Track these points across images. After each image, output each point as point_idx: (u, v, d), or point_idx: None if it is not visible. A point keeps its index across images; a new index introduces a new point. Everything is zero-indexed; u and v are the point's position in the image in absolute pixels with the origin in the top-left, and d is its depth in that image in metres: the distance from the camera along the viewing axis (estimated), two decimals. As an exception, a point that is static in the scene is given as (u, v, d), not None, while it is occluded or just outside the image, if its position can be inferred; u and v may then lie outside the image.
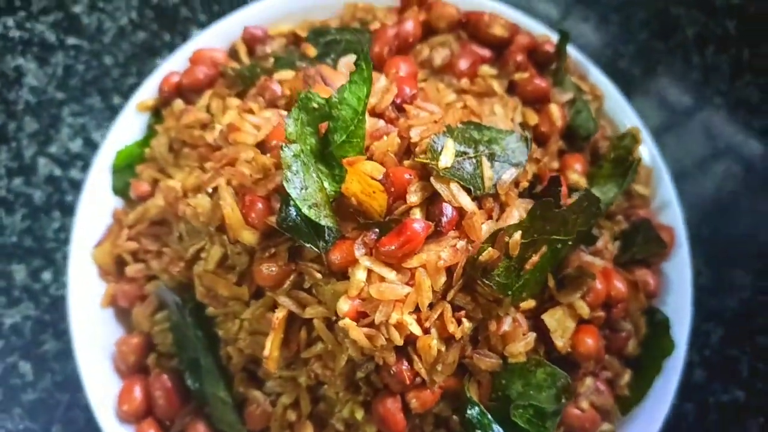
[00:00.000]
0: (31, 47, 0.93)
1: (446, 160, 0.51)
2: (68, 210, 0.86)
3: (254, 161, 0.54)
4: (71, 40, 0.93)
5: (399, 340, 0.48)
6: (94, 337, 0.64)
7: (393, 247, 0.48)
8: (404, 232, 0.48)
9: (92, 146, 0.89)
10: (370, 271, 0.49)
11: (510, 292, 0.52)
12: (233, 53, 0.72)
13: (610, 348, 0.65)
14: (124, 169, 0.68)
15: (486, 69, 0.68)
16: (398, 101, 0.56)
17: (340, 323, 0.49)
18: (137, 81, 0.92)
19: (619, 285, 0.62)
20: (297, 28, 0.73)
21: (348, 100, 0.50)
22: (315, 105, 0.50)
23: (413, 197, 0.50)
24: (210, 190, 0.56)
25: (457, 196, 0.51)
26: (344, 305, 0.49)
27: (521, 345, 0.55)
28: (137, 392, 0.62)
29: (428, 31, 0.72)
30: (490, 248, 0.50)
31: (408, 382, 0.51)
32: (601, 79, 0.74)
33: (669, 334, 0.66)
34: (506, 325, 0.54)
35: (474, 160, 0.53)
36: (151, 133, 0.70)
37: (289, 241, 0.52)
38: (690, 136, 1.00)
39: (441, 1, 0.73)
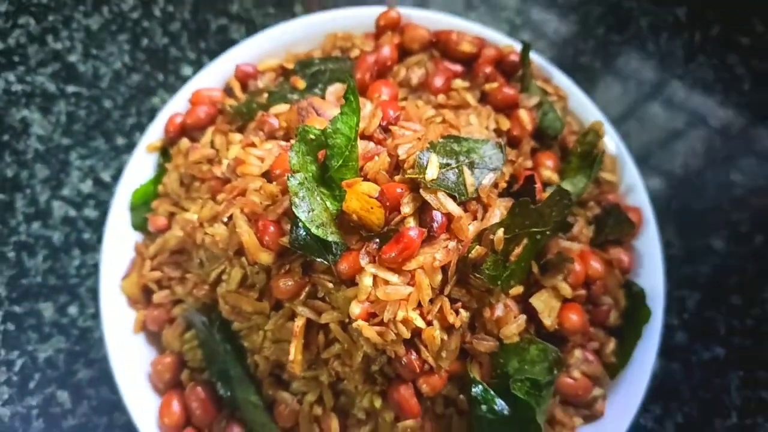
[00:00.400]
0: (33, 99, 0.98)
1: (432, 172, 0.58)
2: (86, 247, 0.92)
3: (262, 190, 0.61)
4: (71, 88, 0.99)
5: (406, 334, 0.55)
6: (130, 360, 0.71)
7: (393, 254, 0.55)
8: (402, 240, 0.55)
9: (102, 185, 0.95)
10: (375, 277, 0.55)
11: (499, 282, 0.59)
12: (229, 90, 0.78)
13: (594, 321, 0.72)
14: (141, 207, 0.75)
15: (459, 83, 0.75)
16: (384, 123, 0.63)
17: (354, 324, 0.55)
18: (137, 120, 0.99)
19: (596, 265, 0.70)
20: (284, 62, 0.80)
21: (341, 130, 0.56)
22: (312, 137, 0.57)
23: (406, 208, 0.57)
24: (225, 219, 0.62)
25: (444, 203, 0.57)
26: (356, 308, 0.55)
27: (514, 327, 0.62)
28: (175, 405, 0.68)
29: (403, 52, 0.79)
30: (477, 246, 0.57)
31: (418, 369, 0.58)
32: (564, 81, 0.81)
33: (645, 304, 0.73)
34: (499, 311, 0.61)
35: (456, 170, 0.60)
36: (161, 171, 0.76)
37: (301, 258, 0.59)
38: (653, 119, 1.07)
39: (412, 24, 0.80)
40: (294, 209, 0.54)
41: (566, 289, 0.66)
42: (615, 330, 0.74)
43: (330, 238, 0.55)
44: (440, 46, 0.78)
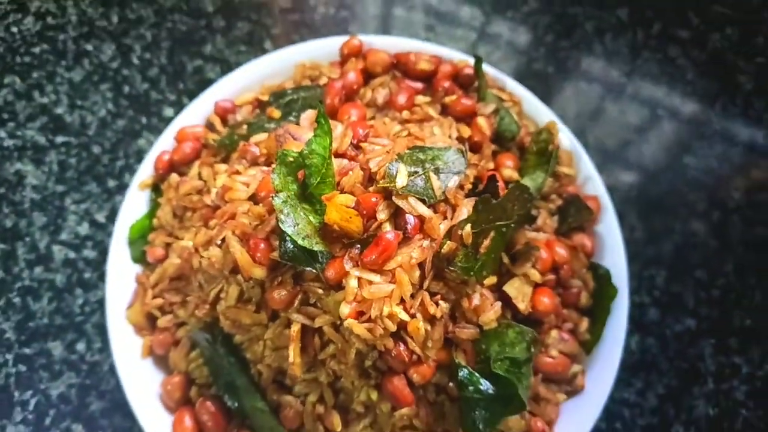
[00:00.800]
0: (25, 152, 1.04)
1: (401, 180, 0.63)
2: (88, 286, 0.96)
3: (250, 212, 0.67)
4: (60, 139, 1.05)
5: (393, 327, 0.60)
6: (141, 384, 0.75)
7: (374, 257, 0.60)
8: (380, 243, 0.60)
9: (98, 226, 1.00)
10: (359, 279, 0.60)
11: (472, 273, 0.65)
12: (210, 126, 0.85)
13: (566, 303, 0.78)
14: (138, 240, 0.80)
15: (420, 98, 0.82)
16: (355, 141, 0.69)
17: (345, 324, 0.60)
18: (126, 163, 1.04)
19: (561, 251, 0.76)
20: (259, 95, 0.86)
21: (316, 150, 0.62)
22: (291, 159, 0.63)
23: (382, 215, 0.63)
24: (219, 242, 0.68)
25: (415, 207, 0.63)
26: (345, 309, 0.60)
27: (491, 314, 0.67)
28: (187, 421, 0.72)
29: (367, 76, 0.86)
30: (448, 241, 0.63)
31: (407, 359, 0.63)
32: (516, 87, 0.88)
33: (611, 282, 0.79)
34: (476, 300, 0.67)
35: (423, 176, 0.66)
36: (154, 206, 0.82)
37: (292, 269, 0.64)
38: (607, 114, 1.15)
39: (373, 49, 0.87)
40: (280, 225, 0.59)
41: (536, 275, 0.72)
42: (587, 310, 0.80)
43: (316, 248, 0.61)
44: (401, 67, 0.86)
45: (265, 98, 0.85)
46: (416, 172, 0.66)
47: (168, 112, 1.08)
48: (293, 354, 0.64)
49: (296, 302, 0.65)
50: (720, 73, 1.19)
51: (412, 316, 0.63)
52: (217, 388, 0.73)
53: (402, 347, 0.63)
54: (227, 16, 1.17)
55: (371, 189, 0.65)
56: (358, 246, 0.62)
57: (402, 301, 0.62)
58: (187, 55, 1.13)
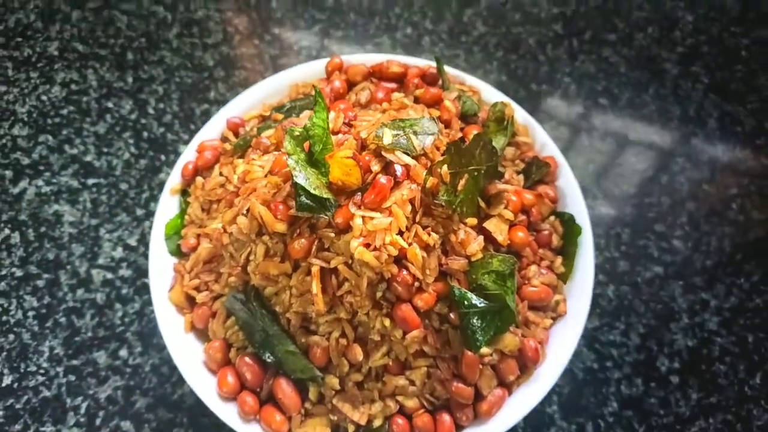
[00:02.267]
0: (61, 195, 1.19)
1: (387, 139, 0.79)
2: (126, 300, 1.09)
3: (268, 183, 0.82)
4: (91, 180, 1.20)
5: (395, 252, 0.73)
6: (187, 353, 0.87)
7: (373, 197, 0.74)
8: (377, 187, 0.75)
9: (130, 249, 1.14)
10: (363, 217, 0.75)
11: (454, 207, 0.79)
12: (224, 139, 1.01)
13: (541, 243, 0.91)
14: (173, 236, 0.94)
15: (396, 95, 1.00)
16: (347, 121, 0.86)
17: (355, 255, 0.73)
18: (150, 194, 1.19)
19: (528, 195, 0.91)
20: (261, 111, 1.03)
21: (317, 123, 0.78)
22: (297, 133, 0.78)
23: (375, 167, 0.78)
24: (245, 212, 0.82)
25: (401, 158, 0.78)
26: (354, 243, 0.74)
27: (475, 245, 0.80)
28: (229, 377, 0.83)
29: (350, 85, 1.04)
30: (431, 177, 0.78)
31: (410, 282, 0.76)
32: (475, 80, 1.06)
33: (576, 223, 0.93)
34: (462, 235, 0.81)
35: (405, 137, 0.81)
36: (184, 206, 0.96)
37: (307, 221, 0.78)
38: (554, 109, 1.33)
39: (353, 63, 1.05)
40: (295, 179, 0.74)
41: (509, 214, 0.86)
42: (559, 250, 0.94)
43: (325, 196, 0.75)
44: (376, 73, 1.04)
45: (267, 113, 1.02)
46: (399, 134, 0.82)
47: (183, 149, 1.24)
48: (316, 288, 0.77)
49: (313, 250, 0.78)
50: (649, 65, 1.39)
51: (410, 245, 0.76)
52: (252, 347, 0.85)
53: (405, 272, 0.76)
54: (226, 67, 1.36)
55: (363, 153, 0.81)
56: (359, 193, 0.77)
57: (400, 233, 0.76)
58: (194, 101, 1.31)
